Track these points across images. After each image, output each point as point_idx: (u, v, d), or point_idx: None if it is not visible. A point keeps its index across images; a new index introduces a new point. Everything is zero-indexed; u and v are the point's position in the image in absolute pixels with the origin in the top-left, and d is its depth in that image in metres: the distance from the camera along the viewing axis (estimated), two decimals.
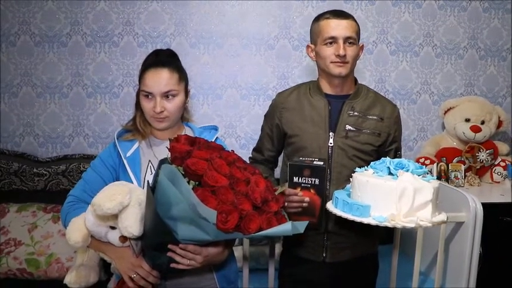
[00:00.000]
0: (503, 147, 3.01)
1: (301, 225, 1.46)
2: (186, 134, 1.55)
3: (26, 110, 2.80)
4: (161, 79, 1.64)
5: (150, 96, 1.65)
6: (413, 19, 3.02)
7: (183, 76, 1.72)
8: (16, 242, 2.40)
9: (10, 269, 2.35)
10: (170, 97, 1.66)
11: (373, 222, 1.46)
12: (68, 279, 1.69)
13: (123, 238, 1.51)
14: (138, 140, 1.73)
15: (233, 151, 1.56)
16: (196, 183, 1.39)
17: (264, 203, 1.42)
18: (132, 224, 1.44)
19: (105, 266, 2.40)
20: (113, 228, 1.52)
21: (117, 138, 1.72)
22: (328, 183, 1.82)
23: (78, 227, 1.56)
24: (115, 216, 1.48)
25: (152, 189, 1.43)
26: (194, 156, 1.41)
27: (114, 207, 1.42)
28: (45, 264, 2.36)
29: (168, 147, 1.47)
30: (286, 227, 1.41)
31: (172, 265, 1.48)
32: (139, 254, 1.53)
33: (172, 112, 1.67)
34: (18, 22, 2.73)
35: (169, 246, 1.45)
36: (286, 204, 1.63)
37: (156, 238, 1.45)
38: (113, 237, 1.53)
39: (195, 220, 1.35)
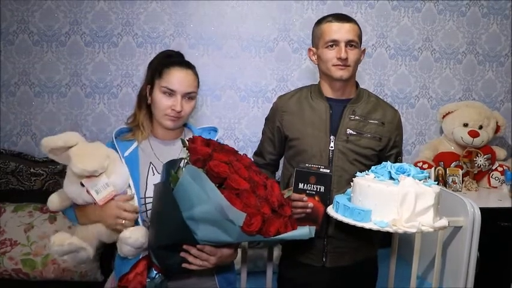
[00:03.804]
0: (500, 153, 3.02)
1: (312, 230, 1.49)
2: (200, 137, 1.56)
3: (24, 109, 2.78)
4: (187, 80, 1.67)
5: (170, 94, 1.66)
6: (413, 23, 3.02)
7: (199, 81, 1.75)
8: (12, 242, 2.38)
9: (5, 269, 2.33)
10: (189, 99, 1.69)
11: (374, 227, 1.46)
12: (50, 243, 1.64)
13: (87, 189, 1.52)
14: (136, 140, 1.72)
15: (246, 155, 1.57)
16: (216, 185, 1.40)
17: (280, 207, 1.45)
18: (78, 158, 1.47)
19: (102, 267, 2.40)
20: (83, 185, 1.52)
21: (115, 138, 1.72)
22: None
23: (60, 192, 1.62)
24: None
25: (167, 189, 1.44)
26: (215, 158, 1.42)
27: (53, 140, 1.49)
28: (41, 264, 2.34)
29: (186, 148, 1.48)
30: (304, 231, 1.45)
31: (184, 265, 1.49)
32: (101, 203, 1.53)
33: (188, 113, 1.70)
34: (17, 21, 2.70)
35: (185, 246, 1.46)
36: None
37: (171, 238, 1.45)
38: (84, 193, 1.53)
39: (219, 222, 1.36)
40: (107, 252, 2.29)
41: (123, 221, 1.54)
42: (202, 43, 2.84)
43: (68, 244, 1.53)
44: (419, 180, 1.50)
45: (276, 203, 1.43)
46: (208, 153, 1.43)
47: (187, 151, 1.48)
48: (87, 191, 1.51)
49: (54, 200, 1.62)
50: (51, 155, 1.53)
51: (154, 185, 1.54)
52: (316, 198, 1.70)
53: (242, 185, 1.40)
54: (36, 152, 2.79)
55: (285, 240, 1.48)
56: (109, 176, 1.53)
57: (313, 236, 1.48)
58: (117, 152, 1.67)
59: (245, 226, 1.34)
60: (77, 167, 1.47)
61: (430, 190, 1.47)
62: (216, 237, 1.42)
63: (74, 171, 1.48)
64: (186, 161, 1.47)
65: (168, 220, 1.43)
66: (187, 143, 1.50)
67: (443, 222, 1.53)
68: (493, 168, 2.95)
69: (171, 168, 1.47)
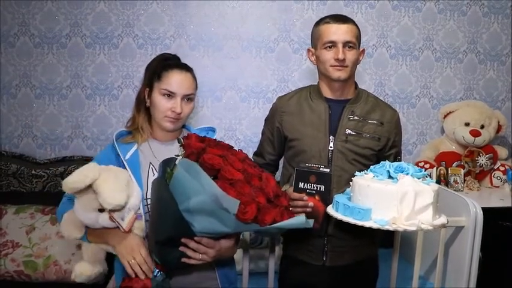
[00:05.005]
0: (502, 152, 3.01)
1: (309, 220, 1.50)
2: (195, 133, 1.58)
3: (25, 111, 2.79)
4: (186, 82, 1.70)
5: (170, 96, 1.68)
6: (413, 23, 3.02)
7: (197, 83, 1.78)
8: (14, 243, 2.38)
9: (7, 271, 2.33)
10: (188, 101, 1.72)
11: (374, 225, 1.46)
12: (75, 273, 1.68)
13: (112, 217, 1.53)
14: (136, 143, 1.73)
15: (241, 150, 1.59)
16: (211, 177, 1.41)
17: (275, 197, 1.46)
18: (108, 193, 1.47)
19: None
20: (101, 211, 1.53)
21: (116, 141, 1.72)
22: None
23: (71, 219, 1.62)
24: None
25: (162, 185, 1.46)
26: (209, 152, 1.44)
27: (79, 180, 1.47)
28: (43, 266, 2.34)
29: (182, 145, 1.50)
30: (300, 220, 1.46)
31: (184, 260, 1.50)
32: (128, 230, 1.55)
33: (186, 115, 1.72)
34: (18, 23, 2.72)
35: (183, 240, 1.47)
36: (290, 208, 1.63)
37: (170, 232, 1.46)
38: (104, 220, 1.54)
39: (214, 211, 1.38)
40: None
41: (132, 261, 1.55)
42: (203, 44, 2.84)
43: (94, 274, 1.65)
44: (418, 179, 1.51)
45: (271, 193, 1.44)
46: (201, 147, 1.46)
47: (182, 148, 1.50)
48: (111, 219, 1.53)
49: (72, 230, 1.64)
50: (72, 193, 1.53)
51: (151, 182, 1.56)
52: (317, 197, 1.70)
53: (236, 175, 1.42)
54: (38, 153, 2.81)
55: (282, 229, 1.48)
56: (129, 201, 1.55)
57: (311, 226, 1.49)
58: (119, 155, 1.68)
59: (240, 214, 1.35)
60: (109, 204, 1.47)
61: (429, 188, 1.47)
62: (213, 228, 1.43)
63: (106, 207, 1.48)
64: (181, 157, 1.48)
65: (166, 214, 1.45)
66: (182, 140, 1.51)
67: (442, 220, 1.53)
68: (495, 167, 2.95)
69: (167, 166, 1.49)
